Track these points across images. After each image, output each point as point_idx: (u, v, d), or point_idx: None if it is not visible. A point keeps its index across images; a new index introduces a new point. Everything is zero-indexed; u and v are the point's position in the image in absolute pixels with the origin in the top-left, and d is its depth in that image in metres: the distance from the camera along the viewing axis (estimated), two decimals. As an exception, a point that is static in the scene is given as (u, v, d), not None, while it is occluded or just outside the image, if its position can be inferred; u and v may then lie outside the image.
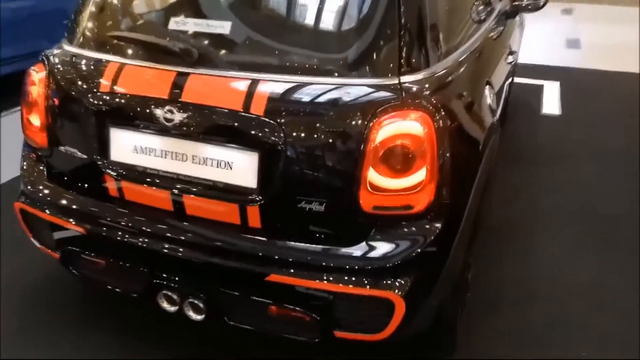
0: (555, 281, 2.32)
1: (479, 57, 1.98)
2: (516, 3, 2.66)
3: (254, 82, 1.53)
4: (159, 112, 1.58)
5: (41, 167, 1.90)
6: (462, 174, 1.64)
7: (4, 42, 3.86)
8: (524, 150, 3.59)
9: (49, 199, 1.85)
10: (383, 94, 1.49)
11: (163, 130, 1.60)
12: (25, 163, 1.95)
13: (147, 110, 1.60)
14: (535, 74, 4.79)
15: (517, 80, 4.37)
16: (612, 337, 2.02)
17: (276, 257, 1.55)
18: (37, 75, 1.84)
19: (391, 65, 1.52)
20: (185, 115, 1.56)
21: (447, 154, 1.51)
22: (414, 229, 1.52)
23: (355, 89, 1.50)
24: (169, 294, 1.69)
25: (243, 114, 1.51)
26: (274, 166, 1.52)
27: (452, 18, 1.87)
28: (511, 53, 2.59)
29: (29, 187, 1.89)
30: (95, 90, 1.70)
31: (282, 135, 1.49)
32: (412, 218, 1.52)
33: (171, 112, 1.56)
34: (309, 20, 1.62)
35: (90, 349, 1.94)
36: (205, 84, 1.58)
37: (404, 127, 1.45)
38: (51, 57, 1.85)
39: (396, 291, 1.49)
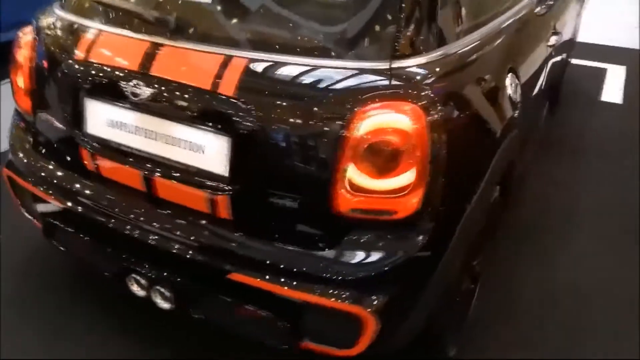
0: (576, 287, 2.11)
1: (504, 40, 1.71)
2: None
3: (228, 59, 1.36)
4: (128, 85, 1.45)
5: (28, 136, 1.83)
6: (464, 177, 1.43)
7: (4, 7, 3.75)
8: (573, 141, 3.26)
9: (31, 168, 1.78)
10: (370, 79, 1.29)
11: (133, 105, 1.47)
12: (13, 130, 1.89)
13: (119, 83, 1.47)
14: (599, 55, 4.33)
15: (576, 62, 4.00)
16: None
17: (240, 254, 1.41)
18: (24, 38, 1.76)
19: (385, 46, 1.31)
20: (153, 90, 1.42)
21: (444, 155, 1.30)
22: (395, 238, 1.34)
23: (338, 72, 1.30)
24: (138, 278, 1.60)
25: (211, 93, 1.35)
26: (245, 154, 1.36)
27: None
28: (555, 34, 2.27)
29: (14, 155, 1.83)
30: (72, 57, 1.58)
31: (254, 120, 1.32)
32: (395, 225, 1.33)
33: (139, 86, 1.42)
34: None
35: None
36: (176, 57, 1.42)
37: (391, 120, 1.25)
38: (40, 20, 1.75)
39: (366, 307, 1.32)
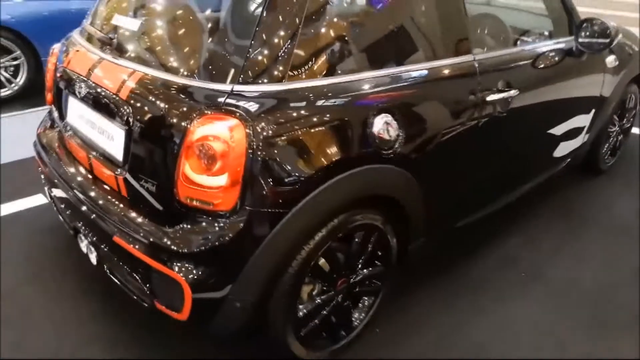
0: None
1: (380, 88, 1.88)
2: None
3: (132, 73, 1.82)
4: (82, 86, 1.98)
5: (47, 123, 2.47)
6: (282, 191, 1.65)
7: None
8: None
9: (40, 147, 2.39)
10: (213, 97, 1.64)
11: (84, 101, 2.00)
12: (44, 118, 2.54)
13: (79, 85, 2.01)
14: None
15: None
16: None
17: (121, 222, 1.81)
18: (55, 49, 2.40)
19: (231, 73, 1.66)
20: (92, 91, 1.93)
21: (258, 167, 1.59)
22: (216, 226, 1.65)
23: (192, 89, 1.69)
24: (82, 237, 2.08)
25: (115, 96, 1.82)
26: (129, 144, 1.79)
27: (353, 39, 1.87)
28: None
29: (38, 136, 2.47)
30: (63, 65, 2.18)
31: (135, 119, 1.75)
32: (218, 216, 1.64)
33: (86, 87, 1.95)
34: (184, 26, 1.91)
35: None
36: (107, 68, 1.93)
37: (216, 130, 1.59)
38: (70, 37, 2.38)
39: (184, 275, 1.64)
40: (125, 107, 1.78)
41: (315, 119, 1.70)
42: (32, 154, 2.43)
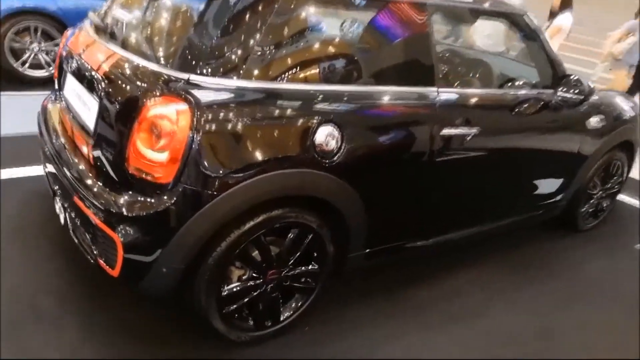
0: None
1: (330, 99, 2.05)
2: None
3: (112, 54, 2.08)
4: (75, 62, 2.25)
5: (52, 95, 2.75)
6: (212, 177, 1.82)
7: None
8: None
9: (43, 113, 2.66)
10: (171, 82, 1.85)
11: (75, 75, 2.27)
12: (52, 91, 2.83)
13: (73, 61, 2.28)
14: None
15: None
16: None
17: (84, 187, 2.02)
18: (67, 32, 2.70)
19: (192, 63, 1.88)
20: (81, 67, 2.20)
21: (197, 150, 1.78)
22: (152, 196, 1.84)
23: (155, 73, 1.91)
24: (57, 199, 2.31)
25: (95, 71, 2.08)
26: (99, 117, 2.02)
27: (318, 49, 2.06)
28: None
29: (44, 102, 2.75)
30: (68, 45, 2.46)
31: (105, 94, 1.99)
32: (156, 187, 1.84)
33: (78, 63, 2.22)
34: (160, 18, 2.19)
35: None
36: (96, 49, 2.20)
37: (166, 111, 1.80)
38: (81, 24, 2.68)
39: (119, 234, 1.84)
40: (100, 82, 2.02)
41: (260, 118, 1.89)
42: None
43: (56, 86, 2.62)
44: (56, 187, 2.29)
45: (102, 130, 2.02)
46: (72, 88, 2.34)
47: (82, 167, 2.11)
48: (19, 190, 3.02)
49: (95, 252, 1.99)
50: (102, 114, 2.01)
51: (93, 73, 2.09)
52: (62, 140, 2.35)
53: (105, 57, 2.09)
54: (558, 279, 3.04)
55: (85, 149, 2.13)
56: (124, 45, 2.13)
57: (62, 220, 2.27)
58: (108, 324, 2.20)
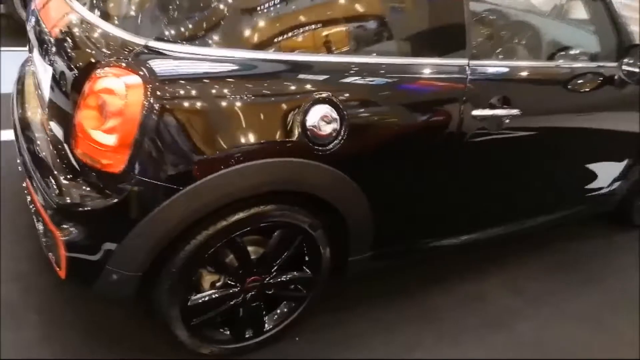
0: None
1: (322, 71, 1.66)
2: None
3: (68, 12, 1.72)
4: (33, 20, 1.91)
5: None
6: (173, 168, 1.48)
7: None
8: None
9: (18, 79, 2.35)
10: (124, 48, 1.49)
11: (34, 35, 1.94)
12: None
13: (32, 18, 1.95)
14: None
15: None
16: None
17: (37, 167, 1.71)
18: None
19: (150, 27, 1.51)
20: (37, 26, 1.88)
21: (155, 140, 1.43)
22: (98, 187, 1.51)
23: (110, 37, 1.54)
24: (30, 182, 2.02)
25: (48, 33, 1.75)
26: (49, 84, 1.69)
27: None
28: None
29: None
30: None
31: (55, 58, 1.66)
32: (104, 177, 1.50)
33: (35, 21, 1.90)
34: None
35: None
36: (54, 6, 1.83)
37: (113, 84, 1.44)
38: None
39: (60, 232, 1.52)
40: (52, 46, 1.68)
41: (232, 94, 1.51)
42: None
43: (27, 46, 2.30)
44: (19, 161, 1.99)
45: (53, 103, 1.69)
46: (35, 50, 2.01)
47: (38, 145, 1.80)
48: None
49: (45, 246, 1.70)
50: (53, 83, 1.67)
51: (46, 34, 1.75)
52: (28, 108, 2.04)
53: (61, 15, 1.73)
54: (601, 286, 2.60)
55: (44, 121, 1.81)
56: (83, 2, 1.75)
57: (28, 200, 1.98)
58: (72, 322, 1.93)
